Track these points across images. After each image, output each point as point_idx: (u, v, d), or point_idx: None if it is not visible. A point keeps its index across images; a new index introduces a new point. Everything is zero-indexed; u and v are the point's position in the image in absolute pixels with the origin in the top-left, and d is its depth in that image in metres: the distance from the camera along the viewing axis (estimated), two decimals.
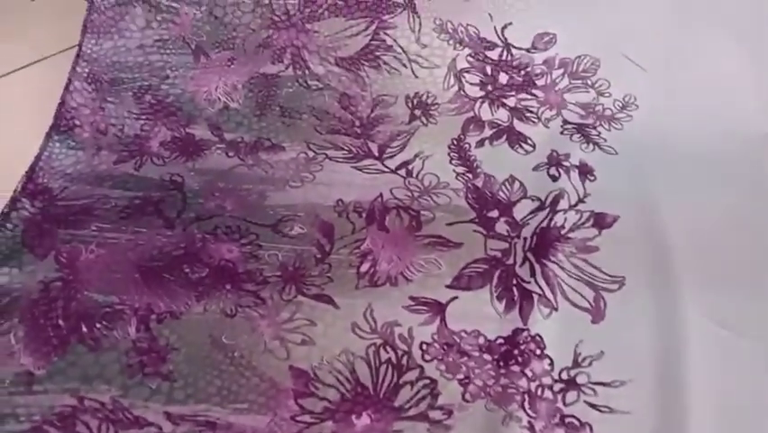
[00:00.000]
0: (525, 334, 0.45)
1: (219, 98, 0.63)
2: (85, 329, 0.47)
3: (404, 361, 0.44)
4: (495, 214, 0.54)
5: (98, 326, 0.47)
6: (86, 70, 0.63)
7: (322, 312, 0.46)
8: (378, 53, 0.65)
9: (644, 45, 0.65)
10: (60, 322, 0.47)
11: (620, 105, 0.62)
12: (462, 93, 0.63)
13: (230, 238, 0.52)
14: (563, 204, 0.54)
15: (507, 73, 0.64)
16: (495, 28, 0.65)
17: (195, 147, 0.60)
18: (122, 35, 0.65)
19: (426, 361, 0.44)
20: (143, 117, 0.62)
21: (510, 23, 0.65)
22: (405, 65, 0.64)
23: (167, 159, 0.59)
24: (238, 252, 0.51)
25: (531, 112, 0.62)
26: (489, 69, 0.64)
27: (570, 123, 0.61)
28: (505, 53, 0.64)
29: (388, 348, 0.44)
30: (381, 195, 0.56)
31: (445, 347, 0.44)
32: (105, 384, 0.44)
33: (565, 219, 0.52)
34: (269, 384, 0.43)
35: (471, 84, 0.64)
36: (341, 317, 0.46)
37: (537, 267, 0.49)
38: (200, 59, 0.65)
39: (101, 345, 0.46)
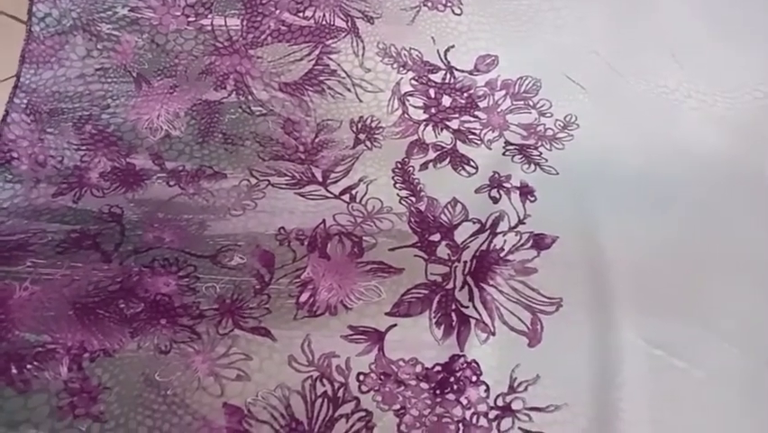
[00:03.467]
0: (461, 360, 0.45)
1: (161, 126, 0.62)
2: (15, 371, 0.45)
3: (340, 393, 0.43)
4: (437, 237, 0.54)
5: (29, 367, 0.46)
6: (25, 101, 0.62)
7: (258, 345, 0.46)
8: (321, 78, 0.65)
9: (585, 65, 0.65)
10: None
11: (561, 124, 0.63)
12: (407, 116, 0.64)
13: (167, 271, 0.51)
14: (503, 226, 0.54)
15: (450, 96, 0.64)
16: (438, 51, 0.65)
17: (135, 177, 0.59)
18: (61, 65, 0.64)
19: (363, 392, 0.44)
20: (83, 148, 0.61)
21: (453, 46, 0.65)
22: (349, 89, 0.64)
23: (106, 190, 0.58)
24: (175, 285, 0.50)
25: (474, 134, 0.62)
26: (432, 92, 0.64)
27: (512, 144, 0.61)
28: (448, 76, 0.65)
29: (325, 381, 0.44)
30: (324, 221, 0.55)
31: (382, 377, 0.44)
32: (33, 429, 0.42)
33: (505, 241, 0.53)
34: (202, 423, 0.42)
35: (415, 107, 0.64)
36: (278, 350, 0.45)
37: (476, 291, 0.49)
38: (142, 88, 0.64)
39: (31, 387, 0.44)
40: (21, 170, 0.59)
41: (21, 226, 0.55)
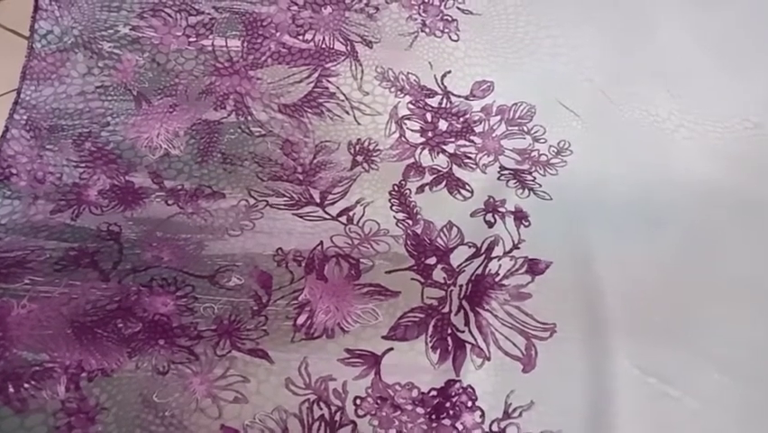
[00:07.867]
0: (457, 385, 0.45)
1: (160, 145, 0.63)
2: (12, 390, 0.45)
3: (337, 417, 0.44)
4: (433, 261, 0.55)
5: (26, 386, 0.46)
6: (25, 117, 0.62)
7: (256, 367, 0.46)
8: (320, 100, 0.66)
9: (579, 92, 0.67)
10: None
11: (555, 150, 0.64)
12: (404, 139, 0.65)
13: (165, 291, 0.51)
14: (498, 250, 0.55)
15: (446, 120, 0.65)
16: (435, 76, 0.66)
17: (134, 195, 0.60)
18: (62, 82, 0.64)
19: (360, 416, 0.44)
20: (82, 165, 0.61)
21: (449, 71, 0.66)
22: (347, 112, 0.65)
23: (105, 208, 0.59)
24: (173, 305, 0.50)
25: (469, 158, 0.63)
26: (429, 116, 0.66)
27: (506, 168, 0.63)
28: (444, 101, 0.66)
29: (322, 404, 0.44)
30: (321, 243, 0.56)
31: (379, 401, 0.45)
32: None
33: (500, 266, 0.54)
34: None
35: (412, 131, 0.65)
36: (275, 373, 0.46)
37: (471, 316, 0.49)
38: (142, 106, 0.64)
39: (28, 407, 0.44)
40: (19, 186, 0.59)
41: (19, 243, 0.55)
